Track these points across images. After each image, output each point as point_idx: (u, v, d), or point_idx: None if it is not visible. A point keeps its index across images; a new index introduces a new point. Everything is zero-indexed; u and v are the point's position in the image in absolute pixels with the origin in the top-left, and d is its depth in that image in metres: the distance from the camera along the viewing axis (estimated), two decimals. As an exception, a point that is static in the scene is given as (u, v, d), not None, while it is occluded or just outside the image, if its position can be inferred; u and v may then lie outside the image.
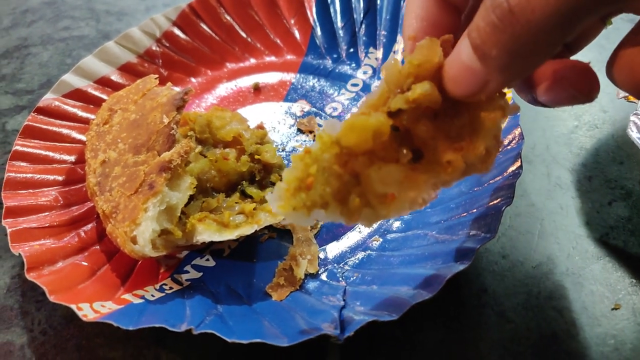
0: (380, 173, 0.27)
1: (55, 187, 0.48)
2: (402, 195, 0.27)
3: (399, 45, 0.59)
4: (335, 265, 0.43)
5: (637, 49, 0.26)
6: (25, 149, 0.49)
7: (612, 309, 0.41)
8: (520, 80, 0.29)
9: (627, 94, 0.51)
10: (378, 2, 0.61)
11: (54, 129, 0.51)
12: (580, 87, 0.27)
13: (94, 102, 0.54)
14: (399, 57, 0.59)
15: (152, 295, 0.40)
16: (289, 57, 0.63)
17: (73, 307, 0.36)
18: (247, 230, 0.41)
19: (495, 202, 0.41)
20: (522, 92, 0.30)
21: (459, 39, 0.26)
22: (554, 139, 0.55)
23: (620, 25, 0.40)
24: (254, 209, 0.42)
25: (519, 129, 0.46)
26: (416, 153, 0.28)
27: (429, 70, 0.27)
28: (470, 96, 0.26)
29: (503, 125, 0.33)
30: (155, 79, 0.49)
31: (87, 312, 0.36)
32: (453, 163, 0.27)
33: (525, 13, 0.22)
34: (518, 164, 0.43)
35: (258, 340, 0.34)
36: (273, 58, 0.63)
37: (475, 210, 0.42)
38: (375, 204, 0.27)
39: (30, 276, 0.39)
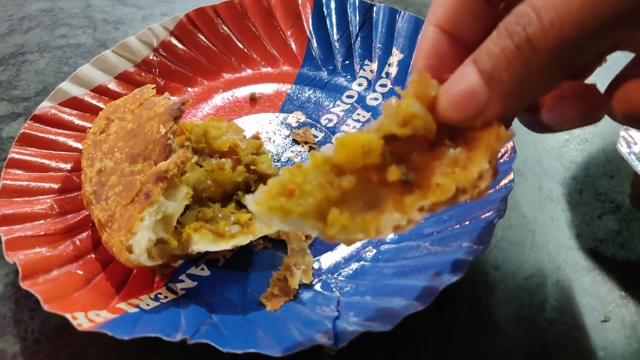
0: (367, 191, 0.27)
1: (51, 195, 0.48)
2: (386, 216, 0.27)
3: (394, 58, 0.60)
4: (329, 275, 0.44)
5: (634, 81, 0.27)
6: (21, 157, 0.49)
7: (602, 321, 0.41)
8: (521, 109, 0.29)
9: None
10: (374, 15, 0.62)
11: (50, 136, 0.51)
12: (590, 102, 0.28)
13: (90, 111, 0.55)
14: (393, 69, 0.60)
15: (147, 304, 0.40)
16: (285, 68, 0.63)
17: (68, 316, 0.36)
18: (243, 240, 0.41)
19: (487, 214, 0.42)
20: (523, 116, 0.31)
21: (460, 65, 0.27)
22: (546, 153, 0.56)
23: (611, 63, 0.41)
24: (250, 219, 0.43)
25: (512, 143, 0.47)
26: (406, 175, 0.28)
27: (425, 103, 0.27)
28: (468, 120, 0.27)
29: (500, 152, 0.33)
30: (153, 88, 0.50)
31: (82, 321, 0.36)
32: (442, 186, 0.27)
33: (540, 41, 0.23)
34: (511, 177, 0.44)
35: (252, 350, 0.34)
36: (269, 69, 0.63)
37: (467, 222, 0.43)
38: (357, 222, 0.27)
39: (24, 285, 0.39)
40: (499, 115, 0.26)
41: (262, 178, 0.47)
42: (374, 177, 0.27)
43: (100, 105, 0.55)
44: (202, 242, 0.41)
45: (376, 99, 0.59)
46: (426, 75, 0.28)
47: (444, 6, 0.30)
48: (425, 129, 0.27)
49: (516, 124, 0.35)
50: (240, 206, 0.45)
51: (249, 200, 0.27)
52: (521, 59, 0.24)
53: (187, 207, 0.43)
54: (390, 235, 0.46)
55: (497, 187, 0.44)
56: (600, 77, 0.31)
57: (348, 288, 0.42)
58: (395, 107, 0.28)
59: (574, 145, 0.56)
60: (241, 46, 0.64)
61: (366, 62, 0.62)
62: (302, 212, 0.26)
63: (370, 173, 0.27)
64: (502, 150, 0.47)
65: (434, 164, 0.27)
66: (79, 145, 0.52)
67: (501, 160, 0.46)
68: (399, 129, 0.27)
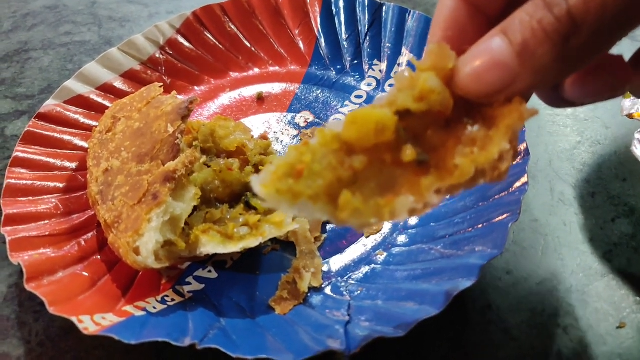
0: (380, 172, 0.25)
1: (56, 195, 0.47)
2: (401, 199, 0.25)
3: (404, 58, 0.59)
4: (339, 279, 0.43)
5: None
6: (25, 156, 0.48)
7: (617, 328, 0.41)
8: (551, 85, 0.27)
9: (631, 111, 0.51)
10: (383, 14, 0.61)
11: (55, 135, 0.51)
12: (617, 75, 0.26)
13: (96, 109, 0.54)
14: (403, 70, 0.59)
15: (154, 307, 0.39)
16: (293, 67, 0.62)
17: (74, 319, 0.35)
18: (252, 242, 0.40)
19: (501, 217, 0.41)
20: (543, 90, 0.29)
21: (484, 35, 0.24)
22: (557, 155, 0.55)
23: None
24: (259, 221, 0.42)
25: (525, 145, 0.46)
26: (421, 155, 0.26)
27: (442, 77, 0.25)
28: (492, 95, 0.24)
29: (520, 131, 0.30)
30: (160, 87, 0.49)
31: (88, 324, 0.35)
32: (461, 167, 0.25)
33: (582, 14, 0.22)
34: (524, 179, 0.43)
35: (263, 356, 0.33)
36: (277, 68, 0.62)
37: (481, 225, 0.42)
38: (370, 205, 0.25)
39: (29, 287, 0.38)
40: (525, 91, 0.25)
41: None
42: (387, 157, 0.25)
43: (106, 103, 0.55)
44: (210, 244, 0.40)
45: (385, 99, 0.58)
46: (445, 46, 0.26)
47: None
48: (442, 105, 0.25)
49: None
50: (249, 207, 0.44)
51: (254, 181, 0.25)
52: (561, 32, 0.22)
53: (194, 208, 0.42)
54: (401, 239, 0.45)
55: (511, 189, 0.43)
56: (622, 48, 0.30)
57: (359, 292, 0.41)
58: (409, 79, 0.26)
59: (585, 148, 0.56)
60: (248, 45, 0.63)
61: (375, 61, 0.61)
62: (311, 194, 0.25)
63: (383, 152, 0.25)
64: (515, 153, 0.46)
65: (450, 142, 0.26)
66: (84, 144, 0.51)
67: (514, 163, 0.45)
68: (414, 104, 0.25)
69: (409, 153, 0.25)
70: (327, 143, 0.25)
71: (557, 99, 0.28)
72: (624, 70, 0.26)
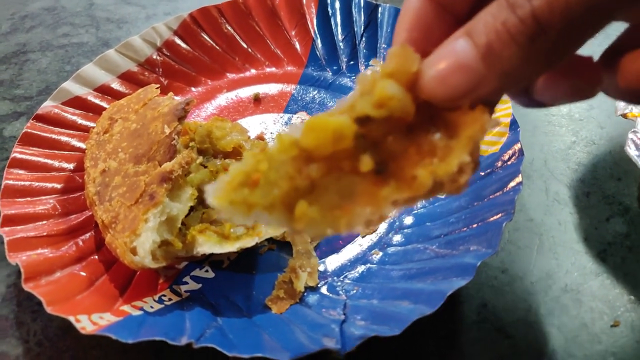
0: (338, 181, 0.24)
1: (54, 196, 0.47)
2: (358, 211, 0.24)
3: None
4: (335, 278, 0.43)
5: (634, 53, 0.25)
6: (23, 157, 0.48)
7: (612, 326, 0.41)
8: (517, 88, 0.26)
9: (625, 111, 0.51)
10: (379, 15, 0.62)
11: (53, 136, 0.51)
12: (587, 77, 0.25)
13: (93, 110, 0.54)
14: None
15: (151, 307, 0.39)
16: (289, 68, 0.63)
17: (71, 319, 0.35)
18: (248, 242, 0.41)
19: (495, 217, 0.41)
20: (515, 94, 0.28)
21: (449, 36, 0.24)
22: (552, 154, 0.55)
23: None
24: (255, 220, 0.42)
25: (519, 145, 0.46)
26: (380, 165, 0.25)
27: (404, 80, 0.24)
28: (456, 99, 0.24)
29: (484, 142, 0.30)
30: (157, 88, 0.49)
31: (86, 324, 0.35)
32: (419, 179, 0.24)
33: (546, 15, 0.21)
34: (518, 179, 0.43)
35: (259, 354, 0.34)
36: (273, 69, 0.63)
37: (475, 225, 0.42)
38: (326, 215, 0.24)
39: (27, 287, 0.38)
40: (491, 95, 0.24)
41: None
42: (345, 165, 0.24)
43: (104, 104, 0.55)
44: (207, 244, 0.40)
45: (381, 99, 0.58)
46: (409, 48, 0.24)
47: None
48: (403, 111, 0.24)
49: (521, 120, 0.34)
50: (246, 208, 0.44)
51: (208, 192, 0.24)
52: (526, 34, 0.21)
53: (191, 209, 0.42)
54: (397, 238, 0.45)
55: (505, 189, 0.43)
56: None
57: (354, 291, 0.41)
58: (370, 82, 0.25)
59: (580, 148, 0.56)
60: (245, 46, 0.63)
61: (371, 62, 0.61)
62: (267, 205, 0.24)
63: (342, 160, 0.24)
64: (509, 153, 0.46)
65: (411, 150, 0.25)
66: (82, 145, 0.51)
67: (509, 163, 0.46)
68: (373, 111, 0.24)
69: (366, 163, 0.24)
70: (285, 149, 0.24)
71: (528, 101, 0.27)
72: (593, 71, 0.26)
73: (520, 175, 0.43)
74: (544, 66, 0.23)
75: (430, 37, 0.26)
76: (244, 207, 0.24)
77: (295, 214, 0.24)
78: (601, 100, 0.64)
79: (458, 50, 0.23)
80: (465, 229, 0.43)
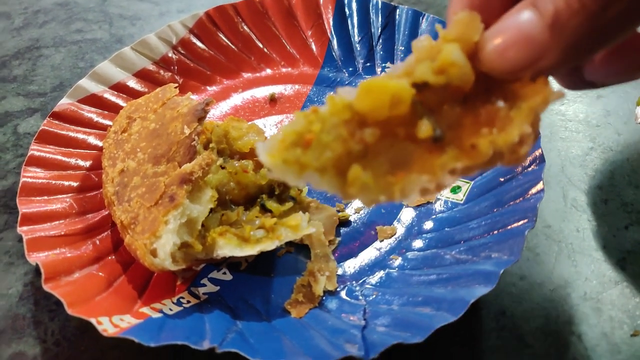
0: (392, 147, 0.24)
1: (70, 194, 0.47)
2: (413, 177, 0.24)
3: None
4: (354, 282, 0.43)
5: None
6: (41, 154, 0.48)
7: (632, 335, 0.41)
8: (581, 62, 0.25)
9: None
10: (396, 17, 0.61)
11: (70, 134, 0.51)
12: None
13: (109, 108, 0.54)
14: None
15: (170, 309, 0.39)
16: (305, 68, 0.62)
17: (93, 321, 0.35)
18: (268, 245, 0.40)
19: (517, 224, 0.41)
20: (564, 73, 0.27)
21: (512, 8, 0.23)
22: (569, 160, 0.55)
23: None
24: (275, 224, 0.42)
25: (540, 151, 0.46)
26: (438, 131, 0.24)
27: (465, 50, 0.24)
28: (518, 71, 0.23)
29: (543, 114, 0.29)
30: (175, 87, 0.49)
31: (107, 326, 0.35)
32: (478, 147, 0.23)
33: None
34: (540, 186, 0.43)
35: (282, 360, 0.33)
36: (289, 69, 0.62)
37: (496, 232, 0.42)
38: (380, 181, 0.24)
39: (47, 287, 0.38)
40: (553, 68, 0.23)
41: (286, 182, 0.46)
42: (400, 131, 0.24)
43: (120, 102, 0.55)
44: (227, 247, 0.40)
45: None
46: (476, 16, 0.23)
47: None
48: (462, 80, 0.23)
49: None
50: (265, 210, 0.44)
51: (260, 149, 0.24)
52: (597, 2, 0.20)
53: (210, 210, 0.42)
54: (416, 243, 0.45)
55: (526, 196, 0.43)
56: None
57: (374, 296, 0.41)
58: (428, 49, 0.24)
59: (597, 154, 0.56)
60: (261, 46, 0.63)
61: (388, 64, 0.61)
62: (319, 166, 0.23)
63: (397, 126, 0.24)
64: (530, 159, 0.46)
65: (467, 120, 0.24)
66: (98, 143, 0.51)
67: (529, 169, 0.45)
68: (433, 77, 0.23)
69: (424, 129, 0.23)
70: (338, 112, 0.23)
71: (577, 81, 0.27)
72: None
73: (541, 182, 0.43)
74: (612, 37, 0.22)
75: (489, 9, 0.25)
76: (296, 166, 0.23)
77: (348, 178, 0.23)
78: (618, 106, 0.64)
79: (522, 21, 0.22)
80: (486, 235, 0.42)
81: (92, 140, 0.52)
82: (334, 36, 0.63)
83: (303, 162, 0.23)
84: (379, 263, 0.44)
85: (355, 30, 0.63)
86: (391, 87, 0.23)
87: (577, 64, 0.25)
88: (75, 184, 0.48)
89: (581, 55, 0.23)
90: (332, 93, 0.24)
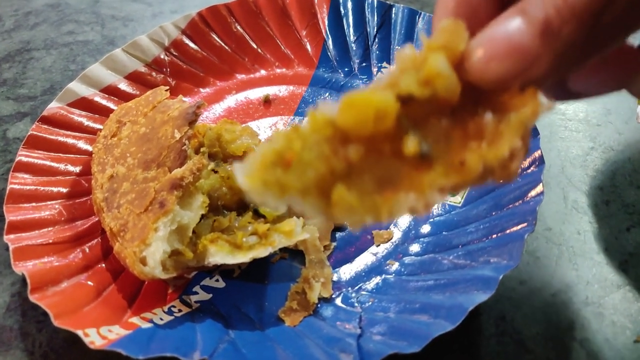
0: (377, 165, 0.22)
1: (60, 200, 0.46)
2: (401, 197, 0.22)
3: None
4: (350, 289, 0.42)
5: None
6: (29, 160, 0.47)
7: (635, 342, 0.40)
8: (572, 72, 0.24)
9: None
10: (392, 16, 0.60)
11: (59, 138, 0.50)
12: (628, 65, 0.24)
13: (100, 112, 0.53)
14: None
15: (161, 319, 0.38)
16: (300, 69, 0.61)
17: (79, 333, 0.34)
18: (261, 252, 0.39)
19: (516, 228, 0.40)
20: (550, 84, 0.26)
21: (501, 15, 0.22)
22: (569, 161, 0.54)
23: None
24: (268, 229, 0.41)
25: (539, 152, 0.45)
26: (425, 147, 0.23)
27: (451, 59, 0.22)
28: (506, 81, 0.22)
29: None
30: (166, 90, 0.48)
31: (94, 338, 0.34)
32: (467, 163, 0.22)
33: None
34: (539, 189, 0.42)
35: (274, 372, 0.32)
36: (284, 70, 0.61)
37: (495, 235, 0.41)
38: (366, 201, 0.22)
39: (33, 298, 0.37)
40: (543, 78, 0.22)
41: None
42: (385, 148, 0.23)
43: (110, 106, 0.54)
44: (219, 254, 0.39)
45: (394, 103, 0.57)
46: (461, 24, 0.22)
47: None
48: (449, 92, 0.22)
49: (538, 125, 0.33)
50: (258, 215, 0.43)
51: (237, 171, 0.22)
52: (590, 10, 0.19)
53: (202, 216, 0.41)
54: (413, 248, 0.44)
55: (526, 198, 0.42)
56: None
57: (370, 303, 0.40)
58: (412, 59, 0.23)
59: (598, 154, 0.55)
60: (255, 46, 0.62)
61: (384, 64, 0.60)
62: (302, 187, 0.22)
63: (382, 142, 0.22)
64: (529, 160, 0.45)
65: (455, 134, 0.23)
66: (88, 148, 0.50)
67: (528, 171, 0.44)
68: (418, 89, 0.22)
69: (411, 145, 0.22)
70: (319, 129, 0.22)
71: (561, 92, 0.26)
72: (633, 59, 0.24)
73: (541, 184, 0.42)
74: (605, 45, 0.21)
75: (475, 17, 0.24)
76: (277, 188, 0.22)
77: (333, 199, 0.22)
78: (618, 105, 0.63)
79: (511, 29, 0.21)
80: (484, 239, 0.41)
81: (82, 145, 0.51)
82: (329, 36, 0.62)
83: (284, 183, 0.22)
84: (376, 268, 0.43)
85: (351, 29, 0.62)
86: (375, 100, 0.22)
87: (567, 74, 0.24)
88: (64, 190, 0.47)
89: (572, 65, 0.22)
90: (312, 110, 0.22)
